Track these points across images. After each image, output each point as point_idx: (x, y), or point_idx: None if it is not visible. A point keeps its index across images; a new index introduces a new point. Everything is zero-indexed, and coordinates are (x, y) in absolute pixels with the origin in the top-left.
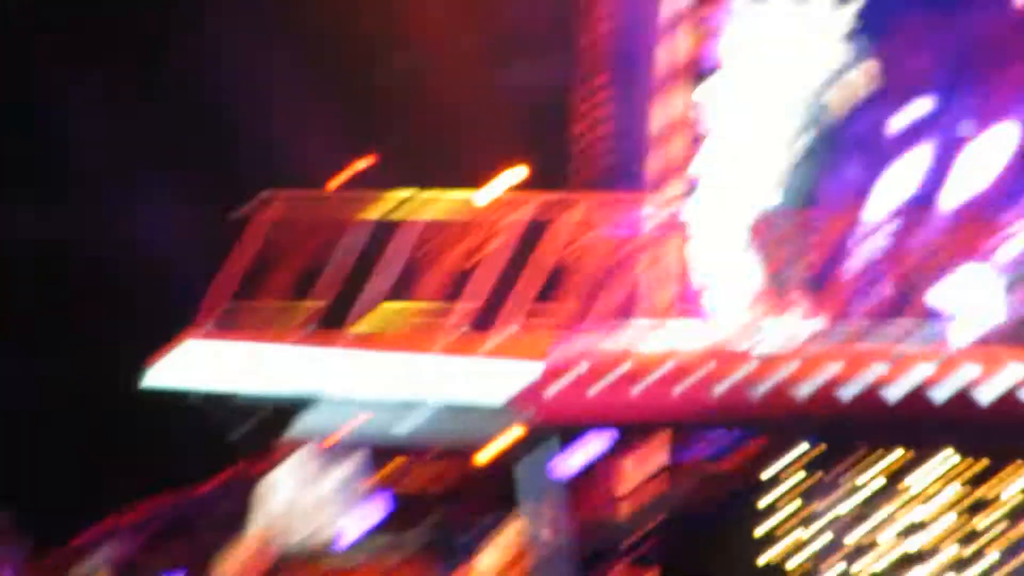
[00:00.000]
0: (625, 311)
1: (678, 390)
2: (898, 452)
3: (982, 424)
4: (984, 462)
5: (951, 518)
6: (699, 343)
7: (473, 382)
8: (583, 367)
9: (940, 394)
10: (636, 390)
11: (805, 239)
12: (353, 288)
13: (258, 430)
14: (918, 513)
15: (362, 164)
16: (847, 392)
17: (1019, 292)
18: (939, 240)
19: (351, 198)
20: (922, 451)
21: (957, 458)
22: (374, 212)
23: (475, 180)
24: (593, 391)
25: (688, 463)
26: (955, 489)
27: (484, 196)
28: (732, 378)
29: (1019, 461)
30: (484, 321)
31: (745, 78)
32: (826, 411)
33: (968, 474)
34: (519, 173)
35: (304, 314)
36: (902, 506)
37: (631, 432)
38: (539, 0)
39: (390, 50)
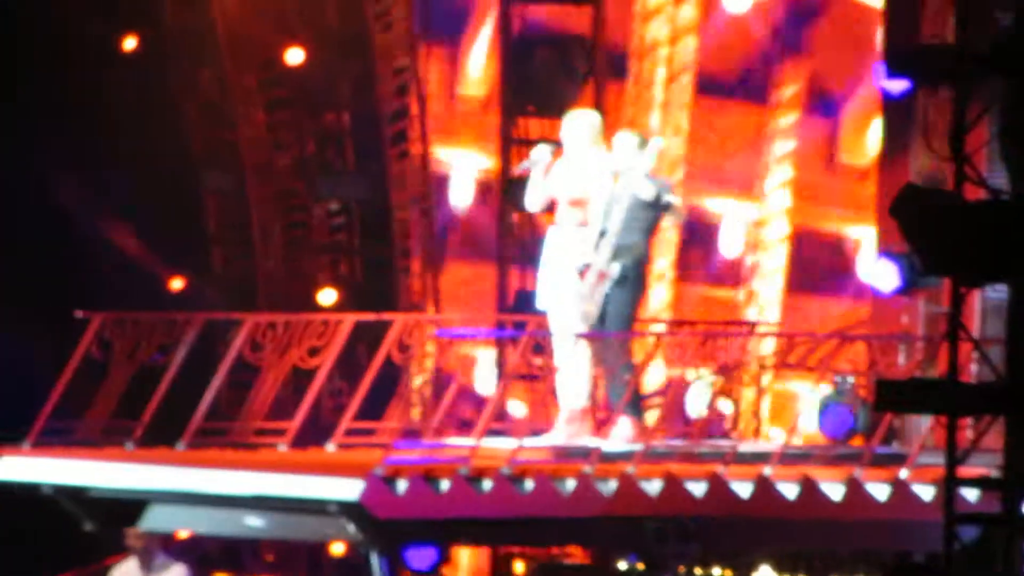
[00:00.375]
0: (465, 413)
1: (525, 488)
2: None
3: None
4: None
5: None
6: (543, 442)
7: (311, 487)
8: (425, 468)
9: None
10: (482, 489)
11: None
12: (182, 404)
13: (103, 525)
14: None
15: (178, 284)
16: (695, 490)
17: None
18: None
19: (174, 318)
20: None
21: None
22: (198, 331)
23: (293, 300)
24: (437, 491)
25: (532, 555)
26: None
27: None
28: (577, 476)
29: None
30: (319, 430)
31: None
32: (674, 510)
33: None
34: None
35: (132, 429)
36: None
37: (475, 530)
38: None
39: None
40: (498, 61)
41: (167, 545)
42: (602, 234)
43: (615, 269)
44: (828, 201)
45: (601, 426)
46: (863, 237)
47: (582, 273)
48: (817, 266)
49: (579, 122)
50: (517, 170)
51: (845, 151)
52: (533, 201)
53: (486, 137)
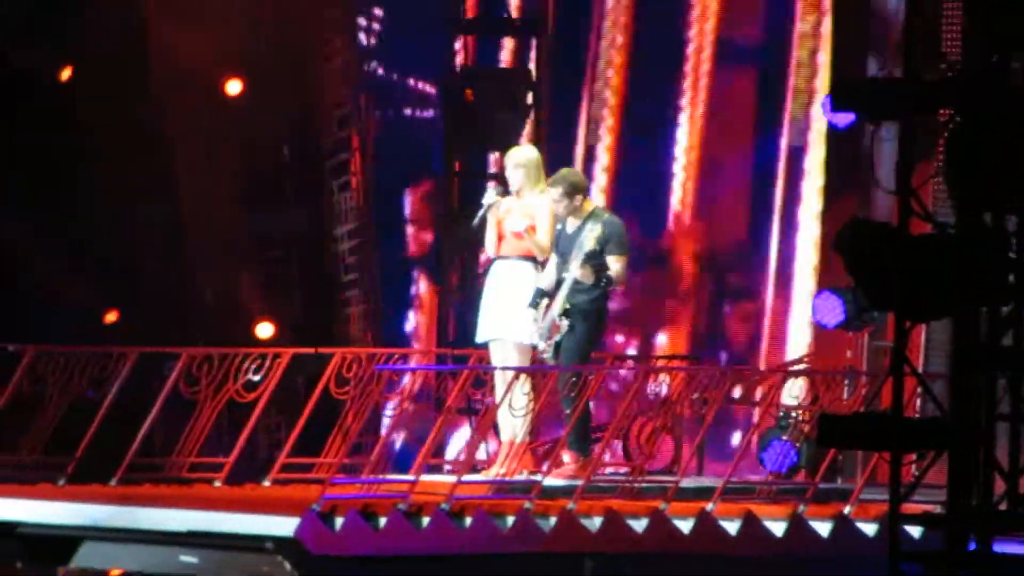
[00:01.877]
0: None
1: (464, 524)
2: None
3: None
4: None
5: None
6: (483, 477)
7: (246, 524)
8: (362, 504)
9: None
10: (420, 525)
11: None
12: (116, 439)
13: (34, 563)
14: None
15: (112, 317)
16: (636, 526)
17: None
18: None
19: (108, 352)
20: None
21: None
22: (133, 365)
23: (230, 334)
24: (374, 527)
25: None
26: None
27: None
28: (517, 512)
29: None
30: (255, 466)
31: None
32: (615, 546)
33: None
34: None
35: (65, 465)
36: None
37: (413, 567)
38: (292, 155)
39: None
40: (439, 94)
41: None
42: (559, 282)
43: (565, 324)
44: None
45: (541, 461)
46: None
47: (537, 308)
48: None
49: (519, 157)
50: (476, 221)
51: None
52: (490, 244)
53: None
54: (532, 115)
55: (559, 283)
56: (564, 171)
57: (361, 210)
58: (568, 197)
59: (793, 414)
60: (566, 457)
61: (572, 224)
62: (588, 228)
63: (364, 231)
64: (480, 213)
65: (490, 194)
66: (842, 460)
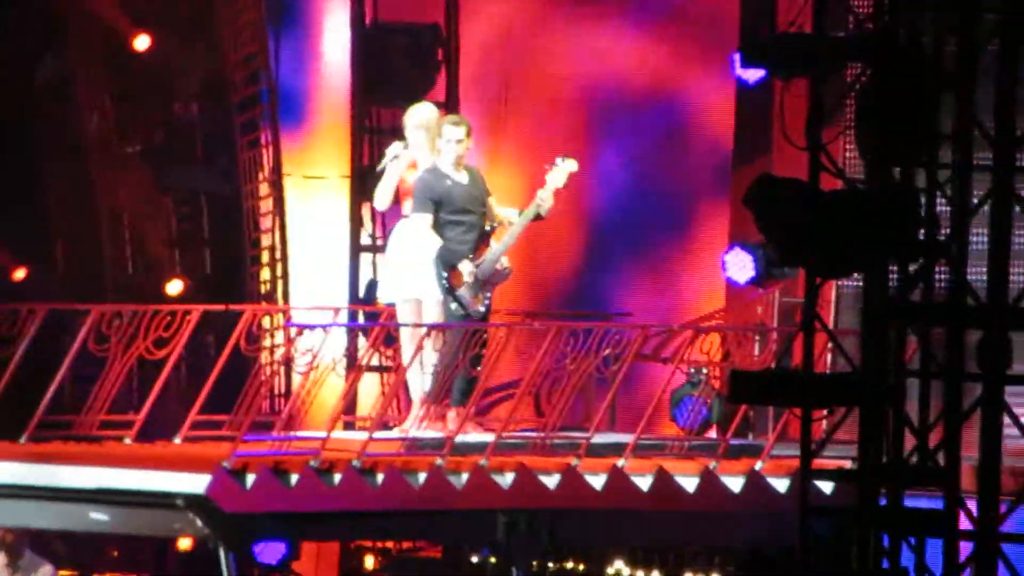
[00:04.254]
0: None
1: (376, 481)
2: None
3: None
4: None
5: None
6: (394, 434)
7: (157, 481)
8: (274, 461)
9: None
10: (332, 482)
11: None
12: (25, 397)
13: None
14: None
15: (20, 275)
16: (548, 482)
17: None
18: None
19: (17, 309)
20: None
21: None
22: (42, 322)
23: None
24: (286, 484)
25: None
26: None
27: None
28: (429, 469)
29: None
30: (166, 423)
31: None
32: (527, 502)
33: None
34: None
35: None
36: None
37: (325, 524)
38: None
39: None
40: (350, 49)
41: (35, 543)
42: (483, 234)
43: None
44: None
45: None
46: None
47: (452, 272)
48: None
49: (421, 117)
50: (379, 170)
51: None
52: (382, 198)
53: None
54: (443, 70)
55: (484, 235)
56: (455, 115)
57: (270, 166)
58: (469, 139)
59: (704, 371)
60: (451, 415)
61: (456, 172)
62: (477, 177)
63: (274, 187)
64: (384, 163)
65: (395, 146)
66: (753, 416)
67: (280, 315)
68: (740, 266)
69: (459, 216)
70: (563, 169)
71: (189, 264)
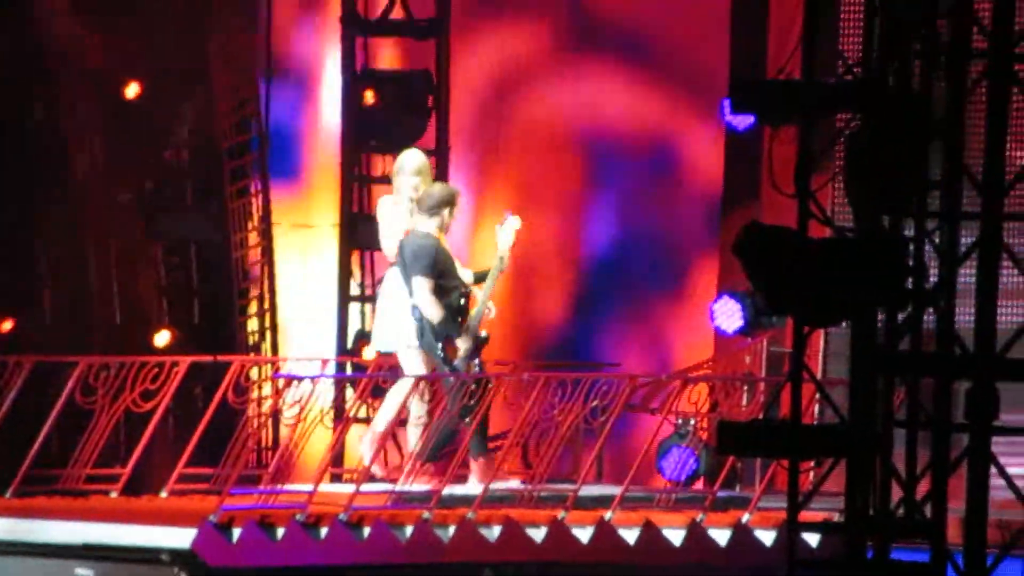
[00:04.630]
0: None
1: (363, 534)
2: None
3: None
4: None
5: None
6: (381, 487)
7: (142, 536)
8: (260, 515)
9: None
10: (318, 535)
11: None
12: (10, 450)
13: None
14: None
15: (7, 326)
16: (535, 535)
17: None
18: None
19: (3, 361)
20: None
21: None
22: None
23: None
24: (272, 538)
25: None
26: None
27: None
28: (416, 522)
29: None
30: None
31: None
32: (514, 555)
33: None
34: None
35: None
36: None
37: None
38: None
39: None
40: (341, 97)
41: None
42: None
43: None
44: None
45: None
46: None
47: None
48: None
49: (416, 162)
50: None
51: None
52: (387, 250)
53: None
54: (433, 116)
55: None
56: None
57: (260, 215)
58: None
59: (692, 421)
60: (473, 467)
61: (445, 242)
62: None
63: (263, 236)
64: (381, 215)
65: (382, 202)
66: (741, 467)
67: (268, 366)
68: (728, 315)
69: (451, 282)
70: (510, 226)
71: (177, 314)
